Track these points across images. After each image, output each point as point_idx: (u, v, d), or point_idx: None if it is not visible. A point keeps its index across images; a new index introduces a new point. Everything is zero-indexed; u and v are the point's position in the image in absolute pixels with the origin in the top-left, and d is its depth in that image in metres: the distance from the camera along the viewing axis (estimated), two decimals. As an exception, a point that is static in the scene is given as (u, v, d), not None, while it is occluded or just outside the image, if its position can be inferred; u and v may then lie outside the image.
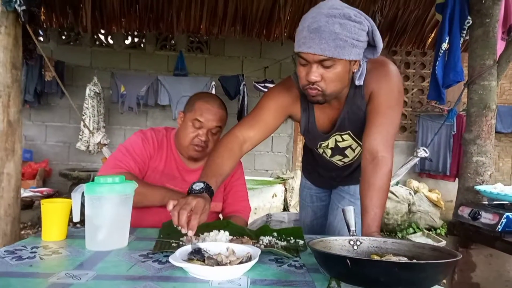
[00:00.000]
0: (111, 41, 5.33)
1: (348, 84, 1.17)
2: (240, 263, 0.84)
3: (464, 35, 2.50)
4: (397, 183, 4.94)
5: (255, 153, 5.41)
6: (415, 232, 4.66)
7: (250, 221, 1.90)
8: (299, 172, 4.78)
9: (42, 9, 4.17)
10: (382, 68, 1.20)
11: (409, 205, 4.80)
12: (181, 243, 1.04)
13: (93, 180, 1.05)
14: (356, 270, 0.74)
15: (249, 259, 0.85)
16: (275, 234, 1.15)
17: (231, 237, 1.06)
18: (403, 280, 0.73)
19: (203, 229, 1.07)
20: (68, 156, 5.30)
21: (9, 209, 2.27)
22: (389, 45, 4.88)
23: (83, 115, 4.79)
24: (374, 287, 0.75)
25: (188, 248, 0.91)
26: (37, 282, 0.76)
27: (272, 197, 4.72)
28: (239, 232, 1.14)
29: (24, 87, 4.49)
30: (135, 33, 5.23)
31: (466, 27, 2.45)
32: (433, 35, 4.62)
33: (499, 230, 1.77)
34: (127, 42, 5.36)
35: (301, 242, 1.09)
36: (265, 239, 1.09)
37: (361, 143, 1.26)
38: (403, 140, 5.49)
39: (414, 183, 5.23)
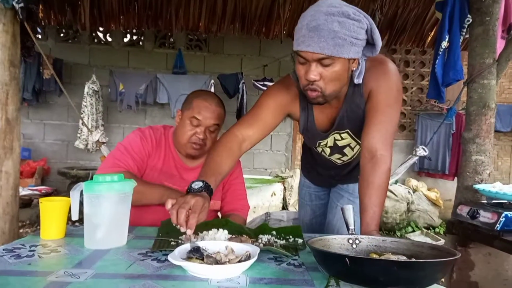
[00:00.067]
0: (109, 39, 5.31)
1: (347, 82, 1.17)
2: (239, 261, 0.84)
3: (464, 33, 2.50)
4: (396, 182, 4.94)
5: (254, 151, 5.41)
6: (413, 231, 4.67)
7: (249, 219, 1.90)
8: (298, 171, 4.79)
9: (40, 7, 4.15)
10: (381, 66, 1.20)
11: (408, 204, 4.81)
12: (180, 241, 1.04)
13: (91, 179, 1.05)
14: (355, 269, 0.73)
15: (248, 257, 0.85)
16: (274, 232, 1.15)
17: (230, 235, 1.06)
18: (402, 278, 0.73)
19: (202, 227, 1.07)
20: (66, 155, 5.30)
21: (8, 208, 2.26)
22: (388, 43, 4.88)
23: (82, 113, 4.78)
24: (373, 286, 0.75)
25: (187, 246, 0.91)
26: (36, 280, 0.75)
27: (271, 196, 4.72)
28: (238, 231, 1.14)
29: (22, 85, 4.48)
30: (134, 30, 5.22)
31: (466, 26, 2.45)
32: (432, 33, 4.62)
33: (498, 229, 1.78)
34: (126, 40, 5.35)
35: (300, 240, 1.09)
36: (264, 238, 1.09)
37: (360, 142, 1.26)
38: (402, 138, 5.49)
39: (413, 182, 5.24)
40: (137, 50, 5.33)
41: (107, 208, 1.00)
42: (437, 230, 4.83)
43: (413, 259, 0.82)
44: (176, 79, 4.99)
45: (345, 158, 1.44)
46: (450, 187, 5.00)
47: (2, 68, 2.21)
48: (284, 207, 4.80)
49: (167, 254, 0.89)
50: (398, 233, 4.68)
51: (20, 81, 2.43)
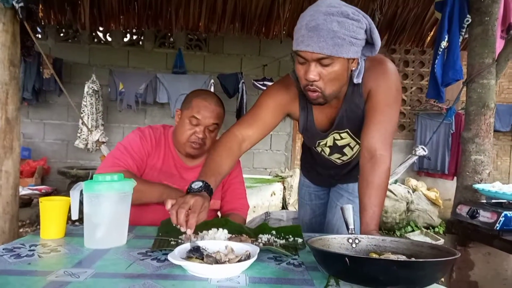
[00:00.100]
0: (109, 39, 5.31)
1: (346, 82, 1.17)
2: (239, 261, 0.84)
3: (463, 33, 2.50)
4: (395, 182, 4.94)
5: (254, 151, 5.41)
6: (413, 231, 4.67)
7: (248, 219, 1.90)
8: (297, 170, 4.79)
9: (40, 6, 4.14)
10: (380, 66, 1.20)
11: (407, 203, 4.81)
12: (180, 241, 1.04)
13: (91, 178, 1.05)
14: (354, 268, 0.74)
15: (248, 257, 0.85)
16: (273, 232, 1.15)
17: (229, 235, 1.06)
18: (401, 278, 0.73)
19: (202, 227, 1.07)
20: (66, 154, 5.29)
21: (8, 207, 2.26)
22: (388, 43, 4.88)
23: (82, 113, 4.78)
24: (373, 285, 0.75)
25: (187, 246, 0.91)
26: (36, 280, 0.75)
27: (270, 195, 4.72)
28: (238, 230, 1.14)
29: (22, 84, 4.48)
30: (134, 30, 5.22)
31: (466, 26, 2.45)
32: (432, 33, 4.62)
33: (497, 228, 1.78)
34: (126, 39, 5.35)
35: (299, 240, 1.10)
36: (264, 237, 1.09)
37: (359, 141, 1.26)
38: (401, 138, 5.49)
39: (413, 182, 5.25)
40: (137, 50, 5.33)
41: (107, 207, 1.00)
42: (436, 229, 4.84)
43: (413, 259, 0.82)
44: (176, 78, 4.99)
45: (344, 158, 1.44)
46: (449, 186, 5.00)
47: (2, 67, 2.21)
48: (284, 206, 4.80)
49: (167, 254, 0.89)
50: (398, 233, 4.68)
51: (20, 81, 2.43)
